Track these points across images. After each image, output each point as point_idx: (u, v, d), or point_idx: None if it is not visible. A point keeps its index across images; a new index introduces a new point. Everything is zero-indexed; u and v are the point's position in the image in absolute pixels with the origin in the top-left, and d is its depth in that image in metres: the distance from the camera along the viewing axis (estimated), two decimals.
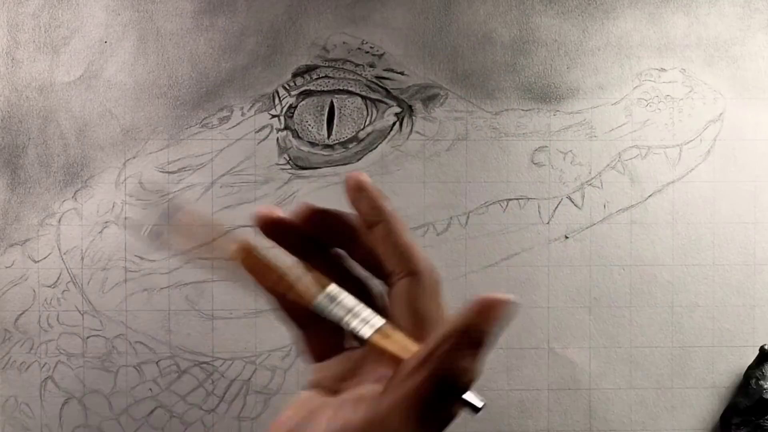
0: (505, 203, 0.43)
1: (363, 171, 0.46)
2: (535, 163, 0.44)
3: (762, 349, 0.44)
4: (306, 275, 0.23)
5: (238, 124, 0.43)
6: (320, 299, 0.22)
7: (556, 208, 0.44)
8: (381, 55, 0.44)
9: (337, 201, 0.48)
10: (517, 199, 0.44)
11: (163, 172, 0.43)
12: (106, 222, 0.43)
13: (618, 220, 0.44)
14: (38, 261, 0.43)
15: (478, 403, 0.26)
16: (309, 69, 0.44)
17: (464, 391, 0.24)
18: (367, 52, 0.44)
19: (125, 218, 0.44)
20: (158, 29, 0.43)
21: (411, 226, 0.43)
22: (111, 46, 0.44)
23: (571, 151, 0.44)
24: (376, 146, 0.43)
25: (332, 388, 0.24)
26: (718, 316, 0.45)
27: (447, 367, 0.23)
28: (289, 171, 0.42)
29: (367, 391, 0.22)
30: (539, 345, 0.44)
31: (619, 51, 0.44)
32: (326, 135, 0.42)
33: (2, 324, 0.43)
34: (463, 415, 0.45)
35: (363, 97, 0.43)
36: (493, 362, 0.43)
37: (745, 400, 0.44)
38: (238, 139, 0.43)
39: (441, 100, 0.44)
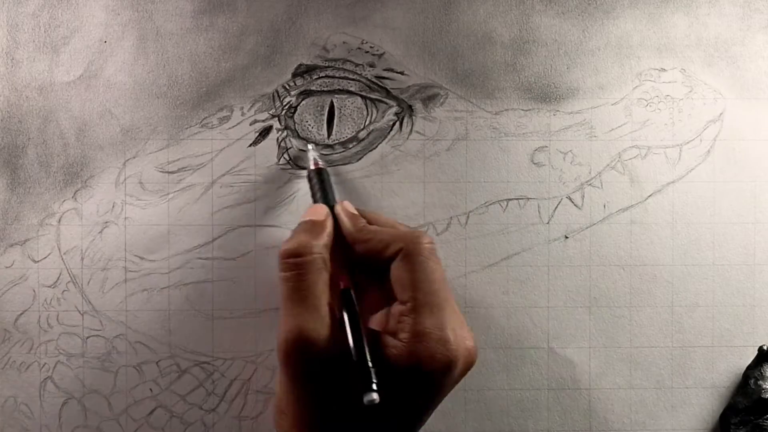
0: (505, 203, 0.43)
1: (363, 171, 0.46)
2: (535, 163, 0.44)
3: (761, 349, 0.44)
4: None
5: (238, 124, 0.43)
6: None
7: (556, 208, 0.44)
8: (381, 55, 0.44)
9: (336, 200, 0.47)
10: (517, 199, 0.44)
11: (163, 172, 0.43)
12: (106, 222, 0.43)
13: (618, 220, 0.44)
14: (38, 261, 0.43)
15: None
16: (309, 69, 0.44)
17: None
18: (367, 52, 0.44)
19: (125, 218, 0.44)
20: (158, 29, 0.43)
21: (411, 226, 0.43)
22: (111, 46, 0.44)
23: (571, 151, 0.44)
24: (376, 146, 0.43)
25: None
26: (718, 316, 0.45)
27: None
28: (289, 171, 0.42)
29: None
30: (539, 345, 0.44)
31: (619, 51, 0.45)
32: (326, 135, 0.43)
33: (2, 324, 0.43)
34: (462, 415, 0.46)
35: (363, 97, 0.44)
36: (492, 362, 0.43)
37: (744, 399, 0.44)
38: (238, 139, 0.43)
39: (441, 100, 0.44)
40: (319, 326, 0.33)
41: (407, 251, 0.34)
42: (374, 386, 0.31)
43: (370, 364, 0.31)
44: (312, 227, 0.36)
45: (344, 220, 0.37)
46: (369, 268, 0.36)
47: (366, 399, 0.30)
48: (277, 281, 0.35)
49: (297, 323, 0.33)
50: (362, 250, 0.36)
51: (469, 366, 0.35)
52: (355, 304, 0.33)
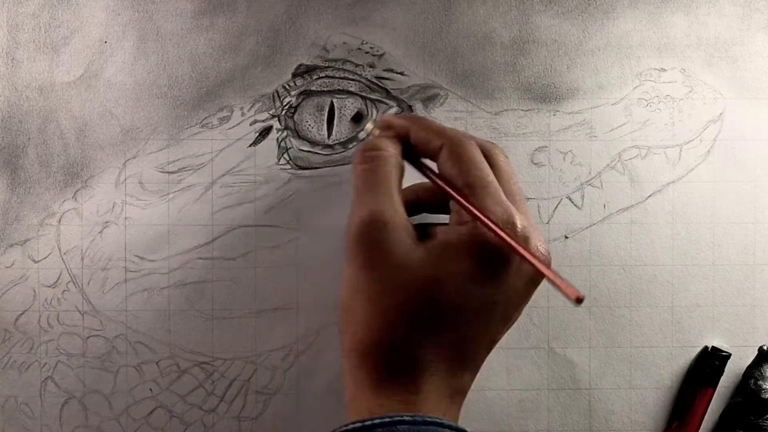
0: None
1: None
2: (535, 163, 0.44)
3: (761, 349, 0.44)
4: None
5: (239, 124, 0.44)
6: None
7: (556, 208, 0.44)
8: (381, 55, 0.44)
9: (337, 200, 0.48)
10: None
11: (163, 172, 0.43)
12: (106, 222, 0.43)
13: (618, 220, 0.44)
14: (38, 261, 0.43)
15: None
16: (309, 69, 0.44)
17: None
18: (367, 53, 0.44)
19: (125, 218, 0.44)
20: (158, 29, 0.43)
21: None
22: (111, 46, 0.44)
23: (571, 151, 0.44)
24: None
25: None
26: (718, 316, 0.45)
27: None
28: (289, 171, 0.42)
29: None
30: (539, 345, 0.44)
31: (619, 51, 0.45)
32: (326, 135, 0.42)
33: (2, 324, 0.43)
34: (462, 415, 0.45)
35: (363, 97, 0.44)
36: (492, 362, 0.43)
37: (744, 400, 0.44)
38: (238, 139, 0.43)
39: (441, 100, 0.44)
40: (393, 211, 0.33)
41: (447, 146, 0.34)
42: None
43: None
44: (386, 130, 0.36)
45: (396, 122, 0.36)
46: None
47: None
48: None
49: (371, 207, 0.33)
50: (414, 141, 0.36)
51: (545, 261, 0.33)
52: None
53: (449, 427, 0.31)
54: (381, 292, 0.32)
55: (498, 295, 0.33)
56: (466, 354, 0.34)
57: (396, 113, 0.44)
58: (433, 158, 0.35)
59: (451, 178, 0.34)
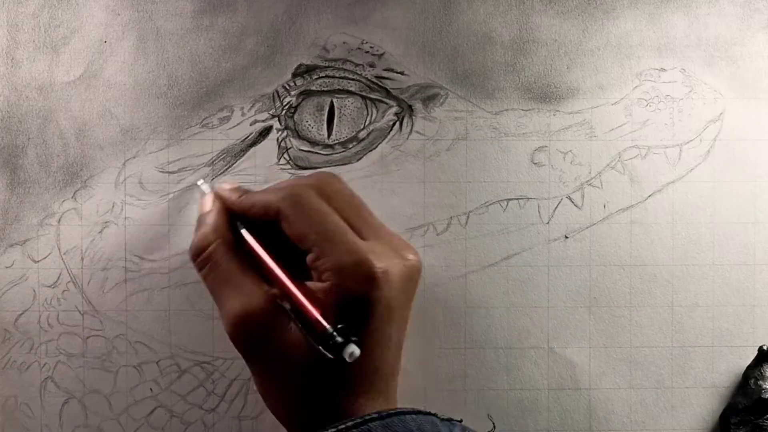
0: (505, 203, 0.43)
1: (363, 171, 0.46)
2: (535, 163, 0.44)
3: (761, 349, 0.44)
4: None
5: (238, 124, 0.44)
6: None
7: (556, 208, 0.44)
8: (381, 55, 0.44)
9: None
10: (517, 199, 0.44)
11: (163, 172, 0.43)
12: (106, 222, 0.43)
13: (618, 220, 0.44)
14: (38, 261, 0.43)
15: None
16: (309, 69, 0.44)
17: None
18: (367, 52, 0.44)
19: (125, 218, 0.44)
20: (158, 29, 0.43)
21: (411, 226, 0.43)
22: (111, 46, 0.44)
23: (571, 151, 0.44)
24: (376, 146, 0.43)
25: None
26: (718, 316, 0.45)
27: None
28: (289, 171, 0.42)
29: None
30: (539, 345, 0.44)
31: (619, 51, 0.45)
32: (326, 135, 0.43)
33: (2, 324, 0.43)
34: (462, 415, 0.45)
35: (363, 97, 0.43)
36: (492, 362, 0.43)
37: (744, 400, 0.44)
38: (239, 139, 0.43)
39: (441, 100, 0.44)
40: (251, 300, 0.34)
41: (282, 208, 0.34)
42: (351, 339, 0.31)
43: (328, 327, 0.32)
44: (203, 219, 0.37)
45: (225, 195, 0.38)
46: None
47: (347, 354, 0.31)
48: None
49: (231, 308, 0.34)
50: (254, 216, 0.36)
51: (411, 272, 0.35)
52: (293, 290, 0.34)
53: (412, 412, 0.32)
54: (274, 375, 0.35)
55: (388, 319, 0.34)
56: (378, 376, 0.35)
57: (395, 113, 0.44)
58: (277, 222, 0.35)
59: (299, 237, 0.34)
